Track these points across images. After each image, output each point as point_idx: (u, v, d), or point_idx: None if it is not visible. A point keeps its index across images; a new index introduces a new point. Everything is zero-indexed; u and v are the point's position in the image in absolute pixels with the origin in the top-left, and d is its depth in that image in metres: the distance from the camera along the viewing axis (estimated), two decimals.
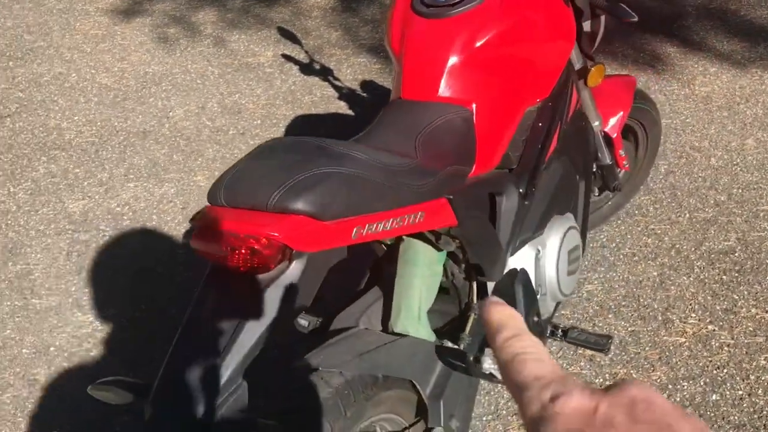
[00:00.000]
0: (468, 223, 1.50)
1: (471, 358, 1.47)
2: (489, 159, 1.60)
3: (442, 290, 1.68)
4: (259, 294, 1.14)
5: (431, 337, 1.62)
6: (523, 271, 1.64)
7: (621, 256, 2.38)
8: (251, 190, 1.16)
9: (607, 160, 2.19)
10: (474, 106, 1.56)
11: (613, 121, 2.15)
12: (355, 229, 1.21)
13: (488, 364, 1.45)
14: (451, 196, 1.42)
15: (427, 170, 1.37)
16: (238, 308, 1.14)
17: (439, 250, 1.59)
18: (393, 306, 1.62)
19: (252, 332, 1.11)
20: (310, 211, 1.14)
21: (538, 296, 1.81)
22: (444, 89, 1.56)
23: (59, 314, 2.29)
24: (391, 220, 1.27)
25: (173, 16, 4.06)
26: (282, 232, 1.11)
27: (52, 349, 2.18)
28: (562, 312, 2.19)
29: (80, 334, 2.22)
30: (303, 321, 1.65)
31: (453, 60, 1.56)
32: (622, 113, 2.16)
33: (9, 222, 2.66)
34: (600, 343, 1.81)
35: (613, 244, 2.43)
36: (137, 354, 2.13)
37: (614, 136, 2.17)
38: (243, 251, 1.11)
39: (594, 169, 2.14)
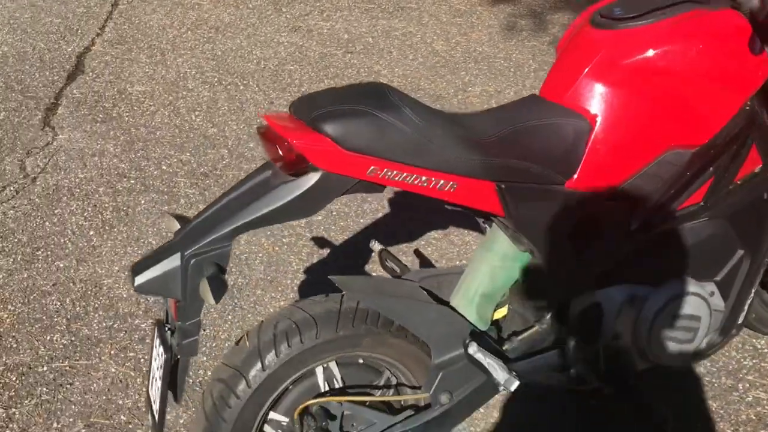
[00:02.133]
0: (524, 224, 1.52)
1: (494, 372, 1.51)
2: (599, 178, 1.56)
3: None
4: (269, 184, 1.37)
5: (480, 324, 1.66)
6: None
7: None
8: (307, 107, 1.38)
9: None
10: (598, 120, 1.54)
11: None
12: (372, 167, 1.35)
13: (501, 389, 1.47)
14: (503, 185, 1.46)
15: (486, 150, 1.43)
16: (251, 188, 1.38)
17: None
18: (458, 283, 1.70)
19: (248, 214, 1.35)
20: (333, 135, 1.32)
21: (623, 347, 1.71)
22: (572, 95, 1.56)
23: None
24: (416, 175, 1.38)
25: (532, 11, 4.29)
26: (301, 142, 1.32)
27: None
28: None
29: None
30: (379, 247, 1.83)
31: (592, 70, 1.55)
32: None
33: None
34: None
35: None
36: None
37: None
38: (275, 148, 1.35)
39: None
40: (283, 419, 1.58)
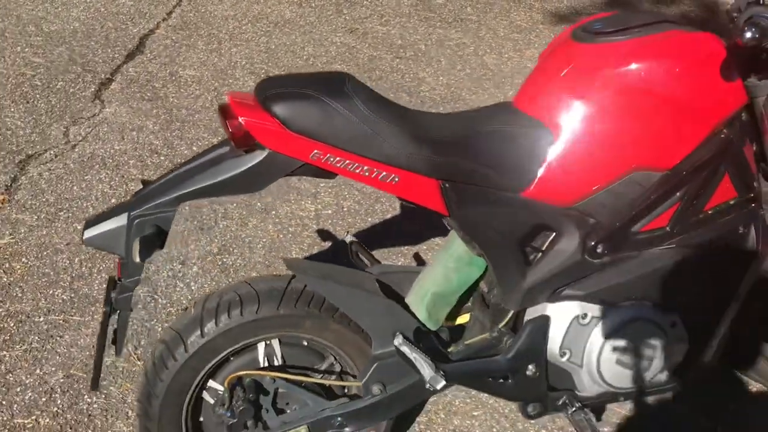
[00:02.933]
0: (470, 226, 1.52)
1: (420, 368, 1.51)
2: (557, 190, 1.55)
3: None
4: (220, 159, 1.42)
5: (429, 323, 1.67)
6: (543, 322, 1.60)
7: None
8: (265, 88, 1.43)
9: None
10: (561, 132, 1.53)
11: None
12: (315, 151, 1.39)
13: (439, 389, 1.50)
14: (448, 184, 1.47)
15: (436, 149, 1.44)
16: (204, 161, 1.44)
17: None
18: (415, 281, 1.72)
19: (194, 184, 1.41)
20: (280, 116, 1.37)
21: (571, 365, 1.68)
22: (539, 105, 1.56)
23: None
24: (358, 164, 1.41)
25: None
26: (249, 120, 1.37)
27: None
28: None
29: None
30: (351, 239, 1.86)
31: (561, 81, 1.54)
32: None
33: None
34: None
35: None
36: None
37: None
38: (227, 123, 1.40)
39: None
40: (221, 388, 1.63)
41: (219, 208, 2.76)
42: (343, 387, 1.70)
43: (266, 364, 1.63)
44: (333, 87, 1.42)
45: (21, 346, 2.18)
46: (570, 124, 1.53)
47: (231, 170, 1.42)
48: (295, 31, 4.11)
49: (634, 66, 1.49)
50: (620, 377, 1.70)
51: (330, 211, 2.77)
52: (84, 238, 1.43)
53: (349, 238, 1.92)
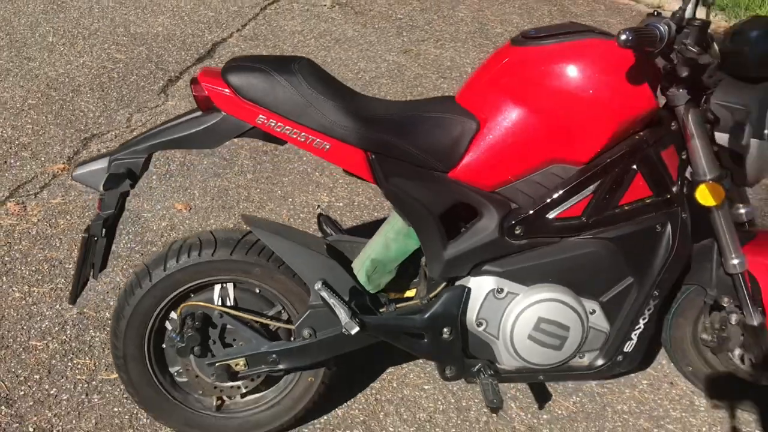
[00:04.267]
0: (394, 196, 1.74)
1: (338, 313, 1.73)
2: (480, 174, 1.74)
3: None
4: (187, 118, 1.71)
5: (368, 286, 1.89)
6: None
7: None
8: (228, 62, 1.71)
9: (754, 321, 1.91)
10: (487, 123, 1.73)
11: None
12: (260, 116, 1.65)
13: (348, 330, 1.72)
14: (374, 155, 1.69)
15: (366, 124, 1.67)
16: (176, 120, 1.73)
17: None
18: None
19: (163, 136, 1.70)
20: (233, 84, 1.64)
21: (489, 336, 1.86)
22: (471, 98, 1.76)
23: None
24: (296, 130, 1.66)
25: None
26: (208, 86, 1.65)
27: None
28: None
29: None
30: (320, 211, 2.10)
31: (491, 78, 1.74)
32: None
33: None
34: (493, 404, 1.79)
35: None
36: None
37: None
38: (193, 89, 1.69)
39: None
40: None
41: (243, 192, 3.07)
42: (287, 331, 1.93)
43: (220, 304, 1.88)
44: (282, 65, 1.68)
45: (48, 285, 2.54)
46: (495, 117, 1.73)
47: (193, 128, 1.71)
48: (353, 48, 4.43)
49: (549, 67, 1.68)
50: (534, 353, 1.85)
51: (341, 204, 3.02)
52: (73, 174, 1.74)
53: (318, 211, 2.16)
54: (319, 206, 2.19)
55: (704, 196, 1.75)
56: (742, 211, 2.00)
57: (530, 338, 1.83)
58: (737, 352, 2.05)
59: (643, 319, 1.89)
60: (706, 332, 2.06)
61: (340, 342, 1.84)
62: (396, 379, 2.27)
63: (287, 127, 1.67)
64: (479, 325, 1.84)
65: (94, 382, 2.20)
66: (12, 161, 3.19)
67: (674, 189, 1.80)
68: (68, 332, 2.36)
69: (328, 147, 1.68)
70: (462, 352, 1.87)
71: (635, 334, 1.90)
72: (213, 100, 1.67)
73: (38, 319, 2.41)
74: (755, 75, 1.71)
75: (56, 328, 2.38)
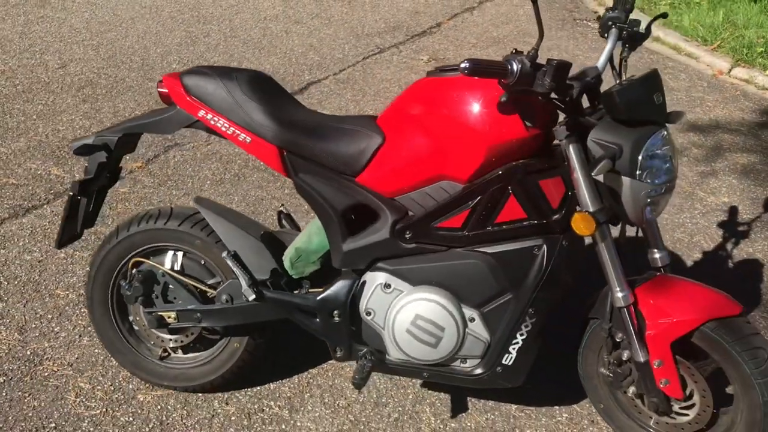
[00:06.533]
0: (303, 191, 2.05)
1: (241, 279, 2.07)
2: (380, 183, 2.01)
3: None
4: (154, 112, 2.15)
5: (291, 271, 2.19)
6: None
7: None
8: (190, 69, 2.13)
9: (640, 357, 2.01)
10: (390, 139, 2.00)
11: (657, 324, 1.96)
12: (201, 111, 2.05)
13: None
14: (286, 152, 2.02)
15: (283, 126, 2.01)
16: (148, 111, 2.17)
17: None
18: None
19: (133, 122, 2.15)
20: (185, 84, 2.06)
21: (376, 325, 2.09)
22: (383, 117, 2.04)
23: None
24: (227, 125, 2.03)
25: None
26: (166, 84, 2.09)
27: None
28: None
29: None
30: (281, 209, 2.44)
31: (398, 102, 2.02)
32: (674, 322, 1.93)
33: None
34: (355, 380, 2.01)
35: None
36: None
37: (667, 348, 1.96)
38: (158, 87, 2.13)
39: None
40: None
41: (276, 203, 3.48)
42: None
43: (169, 267, 2.26)
44: (226, 73, 2.08)
45: (88, 252, 3.06)
46: (397, 135, 2.00)
47: (155, 117, 2.14)
48: None
49: (438, 95, 1.93)
50: (412, 347, 2.06)
51: None
52: (73, 148, 2.21)
53: (280, 208, 2.51)
54: (282, 205, 2.55)
55: (577, 224, 1.88)
56: (657, 255, 2.09)
57: (408, 332, 2.04)
58: (632, 389, 2.11)
59: (521, 335, 2.03)
60: (604, 367, 2.14)
61: (251, 310, 2.16)
62: (333, 369, 2.53)
63: (220, 120, 2.05)
64: (368, 314, 2.08)
65: (88, 328, 2.65)
66: None
67: (555, 216, 1.95)
68: None
69: (249, 140, 2.04)
70: (351, 337, 2.11)
71: (513, 349, 2.05)
72: (170, 96, 2.09)
73: (70, 275, 2.93)
74: (625, 118, 1.85)
75: (79, 284, 2.88)
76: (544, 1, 6.57)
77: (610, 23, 2.07)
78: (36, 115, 4.24)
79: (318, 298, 2.10)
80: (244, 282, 2.06)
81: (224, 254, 2.09)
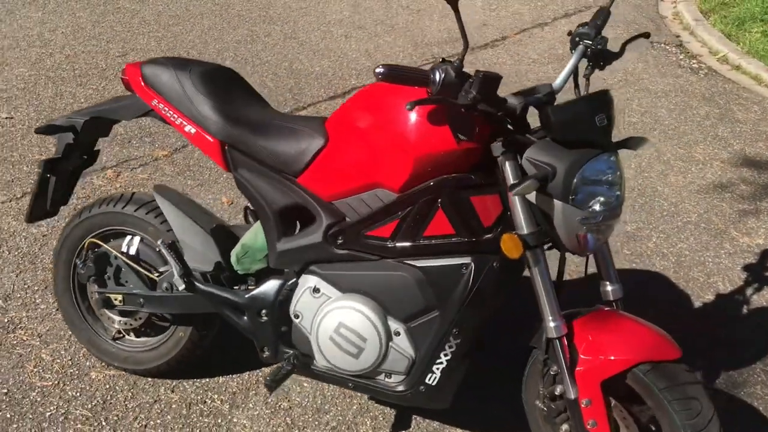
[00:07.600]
0: (242, 186, 2.05)
1: (173, 267, 2.10)
2: (319, 185, 1.99)
3: None
4: (118, 98, 2.21)
5: (236, 266, 2.20)
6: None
7: None
8: (150, 59, 2.18)
9: (571, 393, 1.90)
10: (332, 142, 1.97)
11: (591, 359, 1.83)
12: (154, 100, 2.09)
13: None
14: (227, 147, 2.03)
15: (228, 121, 2.02)
16: (115, 97, 2.23)
17: None
18: None
19: (99, 107, 2.22)
20: (142, 74, 2.11)
21: (303, 329, 2.06)
22: (332, 120, 2.01)
23: None
24: (176, 115, 2.07)
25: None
26: (125, 74, 2.15)
27: None
28: None
29: None
30: (247, 205, 2.45)
31: (345, 105, 1.99)
32: (605, 360, 1.80)
33: None
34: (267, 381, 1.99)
35: None
36: None
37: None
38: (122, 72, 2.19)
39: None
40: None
41: None
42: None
43: (124, 250, 2.31)
44: (182, 66, 2.12)
45: None
46: (338, 138, 1.98)
47: (116, 104, 2.21)
48: None
49: (373, 100, 1.90)
50: (335, 355, 2.02)
51: None
52: (40, 127, 2.30)
53: (246, 205, 2.52)
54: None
55: (506, 245, 1.79)
56: (608, 288, 1.98)
57: (331, 339, 2.00)
58: (564, 427, 1.99)
59: (446, 356, 1.95)
60: (539, 400, 2.03)
61: (186, 300, 2.18)
62: None
63: (170, 111, 2.08)
64: (296, 317, 2.06)
65: None
66: (134, 143, 3.98)
67: (487, 235, 1.87)
68: None
69: (193, 132, 2.06)
70: (279, 338, 2.10)
71: (437, 369, 1.97)
72: (130, 84, 2.14)
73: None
74: (559, 138, 1.75)
75: None
76: (623, 23, 6.32)
77: (577, 39, 1.97)
78: (84, 98, 4.45)
79: (247, 295, 2.10)
80: (176, 272, 2.09)
81: (159, 242, 2.12)
